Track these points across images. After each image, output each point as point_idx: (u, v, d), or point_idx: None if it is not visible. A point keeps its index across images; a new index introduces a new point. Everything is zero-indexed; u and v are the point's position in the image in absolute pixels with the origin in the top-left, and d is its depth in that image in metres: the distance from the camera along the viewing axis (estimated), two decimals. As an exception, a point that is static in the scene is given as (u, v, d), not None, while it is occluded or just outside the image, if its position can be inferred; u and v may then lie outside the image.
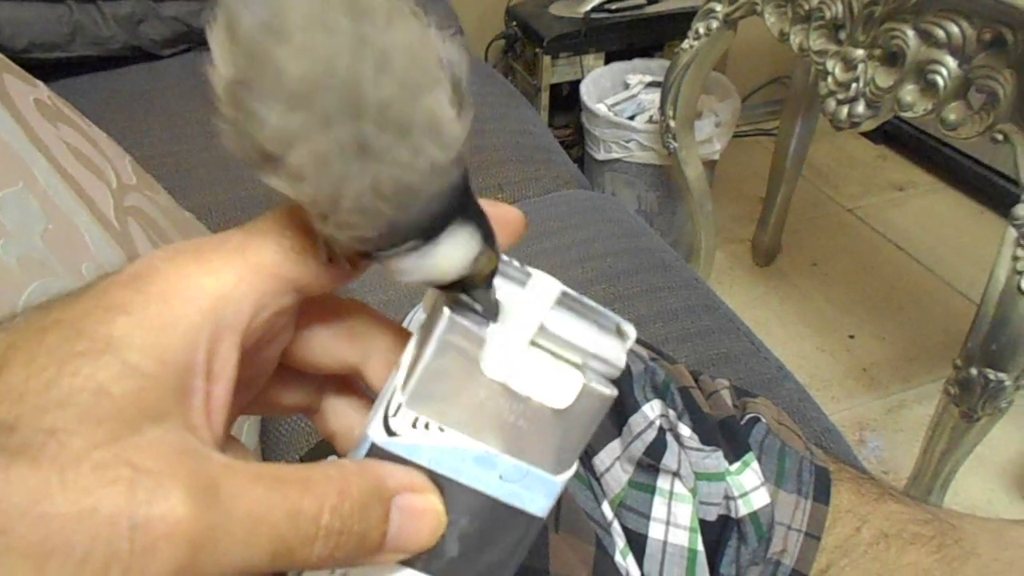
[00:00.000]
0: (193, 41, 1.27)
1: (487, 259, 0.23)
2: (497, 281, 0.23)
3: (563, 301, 0.24)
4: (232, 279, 0.21)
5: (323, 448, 0.65)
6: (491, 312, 0.23)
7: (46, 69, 1.09)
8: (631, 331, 0.25)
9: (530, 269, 0.24)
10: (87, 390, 0.18)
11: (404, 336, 0.26)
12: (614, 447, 0.49)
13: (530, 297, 0.23)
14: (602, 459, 0.49)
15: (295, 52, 0.20)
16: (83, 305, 0.19)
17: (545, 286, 0.24)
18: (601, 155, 1.61)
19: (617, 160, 1.60)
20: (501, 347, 0.23)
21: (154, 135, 1.03)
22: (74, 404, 0.17)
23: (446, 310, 0.23)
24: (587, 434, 0.24)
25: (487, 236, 0.23)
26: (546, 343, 0.24)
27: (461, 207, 0.22)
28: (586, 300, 0.24)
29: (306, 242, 0.23)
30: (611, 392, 0.24)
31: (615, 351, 0.24)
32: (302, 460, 0.64)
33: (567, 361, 0.24)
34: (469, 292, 0.23)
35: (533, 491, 0.24)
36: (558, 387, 0.23)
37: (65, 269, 0.43)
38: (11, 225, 0.41)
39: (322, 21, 0.20)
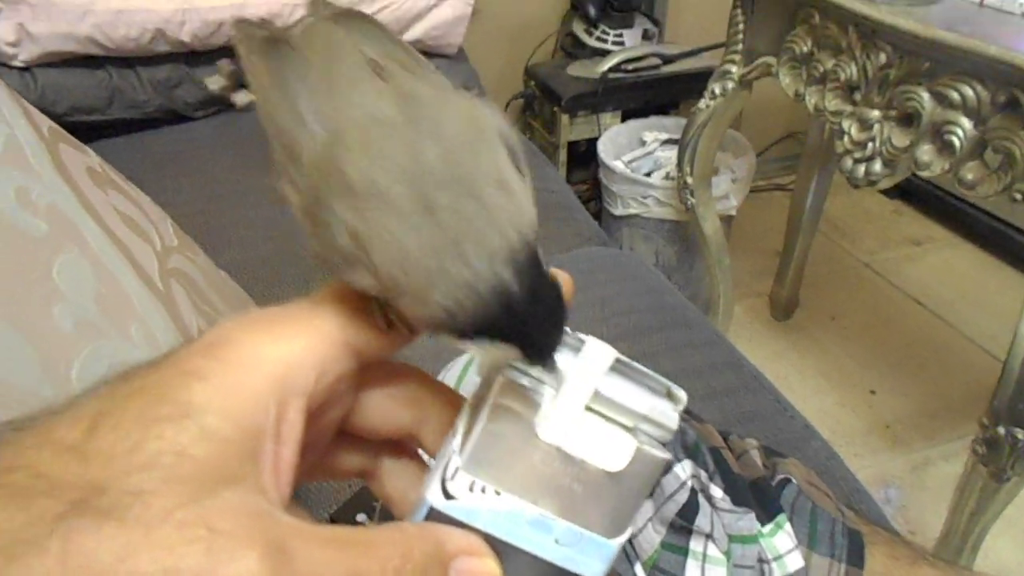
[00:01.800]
0: (224, 104, 1.32)
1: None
2: None
3: (616, 367, 0.25)
4: (299, 346, 0.22)
5: (351, 507, 0.66)
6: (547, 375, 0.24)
7: (85, 131, 1.12)
8: (682, 395, 0.25)
9: (583, 336, 0.25)
10: (169, 453, 0.19)
11: (458, 400, 0.27)
12: (646, 508, 0.49)
13: (584, 364, 0.24)
14: (635, 520, 0.49)
15: (355, 153, 0.22)
16: (164, 372, 0.21)
17: (599, 353, 0.24)
18: (619, 210, 1.63)
19: (635, 215, 1.62)
20: (556, 411, 0.24)
21: (186, 194, 1.06)
22: (158, 466, 0.18)
23: (501, 375, 0.24)
24: (641, 498, 0.25)
25: (545, 354, 0.23)
26: (600, 408, 0.24)
27: (521, 328, 0.22)
28: (636, 365, 0.25)
29: (365, 311, 0.24)
30: (664, 455, 0.25)
31: (667, 414, 0.25)
32: (331, 519, 0.64)
33: (620, 425, 0.25)
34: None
35: (588, 555, 0.24)
36: (612, 450, 0.24)
37: (116, 332, 0.45)
38: (67, 290, 0.43)
39: (373, 117, 0.22)
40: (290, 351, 0.22)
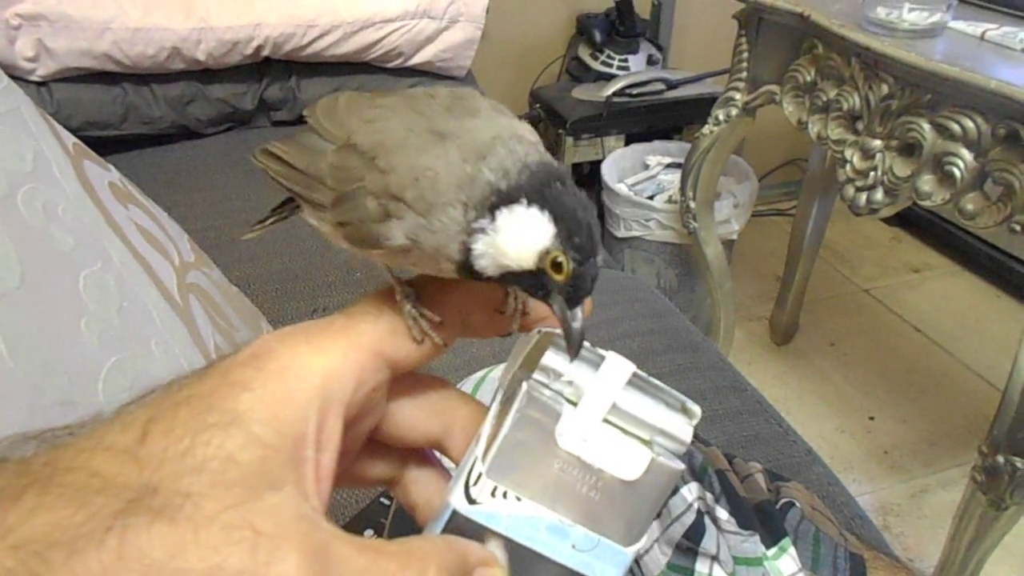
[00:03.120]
0: (235, 121, 1.34)
1: (560, 257, 0.24)
2: (573, 363, 0.25)
3: (633, 381, 0.26)
4: (338, 357, 0.23)
5: (358, 522, 0.66)
6: (572, 343, 0.25)
7: (99, 146, 1.14)
8: (696, 410, 0.27)
9: (602, 351, 0.26)
10: (218, 458, 0.20)
11: (482, 411, 0.28)
12: (653, 529, 0.50)
13: (604, 377, 0.25)
14: (650, 530, 0.50)
15: (360, 127, 0.27)
16: (211, 382, 0.22)
17: (618, 367, 0.26)
18: (621, 232, 1.65)
19: (637, 238, 1.64)
20: (576, 422, 0.25)
21: (198, 209, 1.07)
22: (206, 471, 0.20)
23: (525, 385, 0.25)
24: (656, 508, 0.26)
25: (565, 233, 0.24)
26: (617, 420, 0.26)
27: (530, 189, 0.25)
28: (654, 380, 0.26)
29: (399, 323, 0.25)
30: (678, 466, 0.26)
31: (681, 428, 0.26)
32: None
33: (636, 437, 0.26)
34: (550, 302, 0.25)
35: (604, 561, 0.25)
36: (628, 460, 0.25)
37: (138, 345, 0.45)
38: (92, 304, 0.44)
39: (369, 109, 0.28)
40: (330, 362, 0.23)
